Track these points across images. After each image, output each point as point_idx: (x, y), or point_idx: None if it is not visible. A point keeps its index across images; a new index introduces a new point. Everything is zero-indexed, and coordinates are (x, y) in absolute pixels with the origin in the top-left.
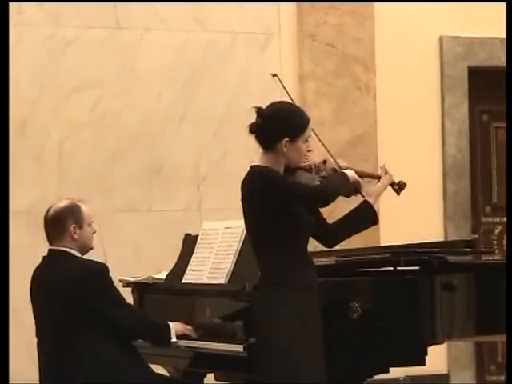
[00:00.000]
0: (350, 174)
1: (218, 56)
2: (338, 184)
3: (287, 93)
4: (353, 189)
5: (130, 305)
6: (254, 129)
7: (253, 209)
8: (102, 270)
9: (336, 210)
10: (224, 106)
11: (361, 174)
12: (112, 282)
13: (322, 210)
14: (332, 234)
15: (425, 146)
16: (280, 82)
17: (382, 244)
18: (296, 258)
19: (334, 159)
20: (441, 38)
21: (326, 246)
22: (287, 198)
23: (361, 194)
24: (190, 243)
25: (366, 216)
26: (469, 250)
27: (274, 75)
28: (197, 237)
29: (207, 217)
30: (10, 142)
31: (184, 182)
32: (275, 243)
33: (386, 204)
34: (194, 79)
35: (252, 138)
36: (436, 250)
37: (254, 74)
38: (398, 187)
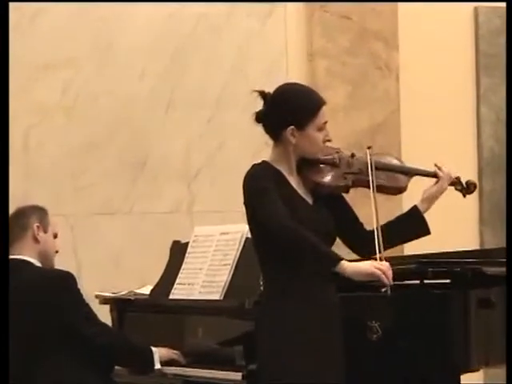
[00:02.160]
0: (366, 269)
1: (212, 29)
2: (315, 247)
3: (371, 167)
4: (324, 269)
5: (103, 322)
6: (259, 117)
7: (246, 213)
8: (67, 278)
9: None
10: (219, 89)
11: (408, 171)
12: (81, 293)
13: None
14: (367, 241)
15: (456, 137)
16: (370, 155)
17: (406, 253)
18: (300, 269)
19: (370, 154)
20: (476, 9)
21: (355, 253)
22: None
23: (385, 286)
24: (178, 252)
25: (414, 225)
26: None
27: (369, 148)
28: (187, 244)
29: (199, 220)
30: None
31: (172, 179)
32: (273, 252)
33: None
34: (183, 57)
35: (253, 127)
36: (470, 259)
37: (254, 51)
38: (464, 188)
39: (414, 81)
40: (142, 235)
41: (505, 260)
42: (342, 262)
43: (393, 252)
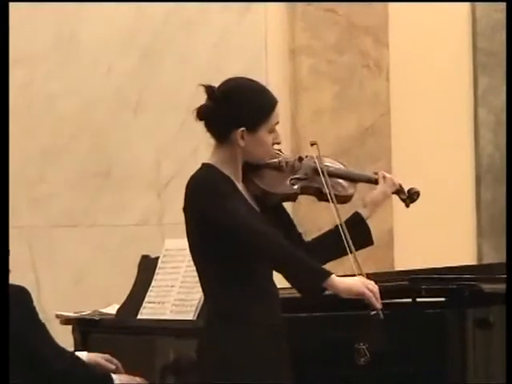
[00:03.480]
0: (355, 284)
1: (185, 24)
2: (299, 262)
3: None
4: (310, 289)
5: (59, 346)
6: (202, 114)
7: (190, 220)
8: (20, 293)
9: (320, 219)
10: (193, 89)
11: (354, 177)
12: (36, 311)
13: (299, 221)
14: (309, 254)
15: (452, 142)
16: (318, 151)
17: (397, 268)
18: (246, 286)
19: (318, 158)
20: (473, 4)
21: None
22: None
23: (373, 307)
24: (148, 267)
25: (357, 234)
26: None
27: (313, 144)
28: (157, 259)
29: (170, 233)
30: None
31: (140, 188)
32: (216, 267)
33: (402, 217)
34: (153, 53)
35: None
36: (467, 275)
37: (230, 48)
38: (407, 197)
39: (405, 81)
40: (107, 250)
41: (505, 276)
42: (332, 276)
43: (382, 267)
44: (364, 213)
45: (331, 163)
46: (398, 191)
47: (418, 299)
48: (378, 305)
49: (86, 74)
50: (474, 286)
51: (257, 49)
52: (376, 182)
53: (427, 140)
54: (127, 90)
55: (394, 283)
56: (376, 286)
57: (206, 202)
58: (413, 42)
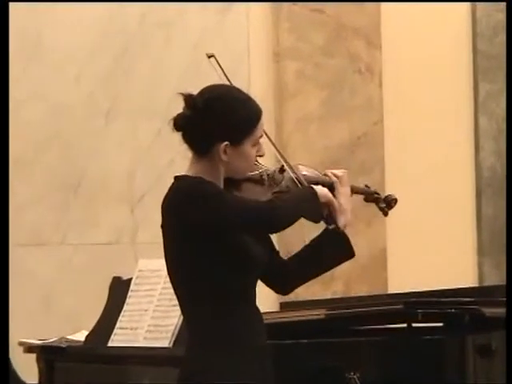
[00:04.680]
0: (322, 190)
1: (161, 25)
2: (299, 202)
3: (227, 78)
4: (323, 212)
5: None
6: (180, 124)
7: (172, 237)
8: None
9: (296, 238)
10: (169, 96)
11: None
12: None
13: (272, 236)
14: (287, 274)
15: (450, 153)
16: (219, 64)
17: (391, 290)
18: (232, 308)
19: (290, 167)
20: (473, 4)
21: (277, 292)
22: (225, 225)
23: (335, 221)
24: (119, 290)
25: (335, 246)
26: None
27: (210, 56)
28: (130, 281)
29: (144, 252)
30: None
31: (112, 204)
32: (200, 288)
33: (396, 234)
34: (126, 57)
35: None
36: (467, 298)
37: (210, 50)
38: (386, 205)
39: (400, 86)
40: (76, 271)
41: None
42: (313, 188)
43: (375, 289)
44: (341, 222)
45: (308, 171)
46: (376, 199)
47: (414, 324)
48: (340, 216)
49: (54, 79)
50: (474, 310)
51: (238, 52)
52: (374, 193)
53: (423, 150)
54: (98, 97)
55: (387, 307)
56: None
57: (195, 207)
58: (407, 44)
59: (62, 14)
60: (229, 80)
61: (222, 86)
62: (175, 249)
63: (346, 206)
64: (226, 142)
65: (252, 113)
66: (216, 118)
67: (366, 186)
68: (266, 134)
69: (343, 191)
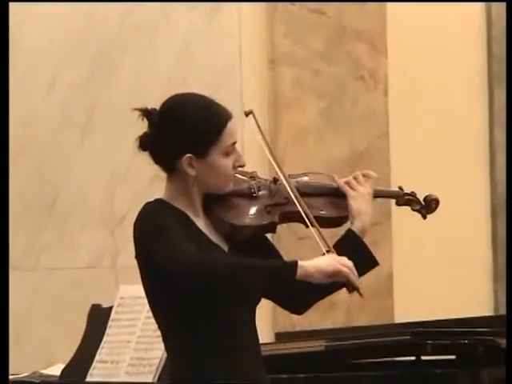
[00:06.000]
0: (327, 260)
1: (143, 28)
2: (251, 272)
3: (263, 137)
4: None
5: None
6: (143, 143)
7: (139, 266)
8: None
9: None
10: (153, 105)
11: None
12: None
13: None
14: (300, 291)
15: (463, 168)
16: (256, 123)
17: (398, 320)
18: (206, 341)
19: (285, 177)
20: (488, 4)
21: (291, 312)
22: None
23: (353, 285)
24: (99, 319)
25: (355, 256)
26: None
27: (249, 114)
28: (110, 309)
29: (126, 278)
30: None
31: (90, 225)
32: (172, 319)
33: (403, 259)
34: (105, 63)
35: None
36: (481, 328)
37: (198, 56)
38: (423, 206)
39: (406, 95)
40: (51, 297)
41: None
42: (300, 263)
43: (380, 319)
44: (356, 227)
45: (315, 179)
46: (410, 201)
47: (423, 357)
48: (356, 282)
49: (25, 87)
50: (489, 341)
51: (229, 57)
52: (396, 195)
53: (432, 165)
54: (74, 106)
55: (393, 338)
56: (350, 261)
57: (142, 242)
58: (415, 49)
59: (32, 14)
60: (265, 139)
61: (183, 94)
62: (141, 277)
63: (361, 207)
64: (189, 155)
65: (215, 119)
66: (173, 130)
67: (400, 187)
68: (265, 139)
69: (355, 194)
